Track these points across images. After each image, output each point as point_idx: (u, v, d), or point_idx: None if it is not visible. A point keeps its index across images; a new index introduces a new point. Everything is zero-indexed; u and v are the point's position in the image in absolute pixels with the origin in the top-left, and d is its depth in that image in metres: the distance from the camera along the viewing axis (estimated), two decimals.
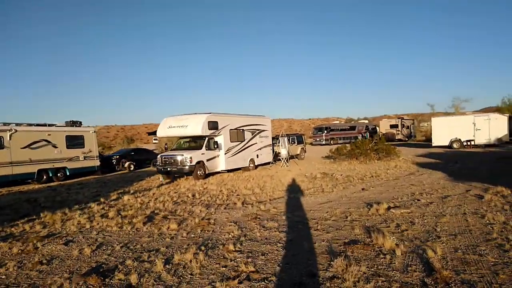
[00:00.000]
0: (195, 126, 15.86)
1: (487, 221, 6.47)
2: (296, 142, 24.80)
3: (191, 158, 15.28)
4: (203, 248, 5.71)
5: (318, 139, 43.37)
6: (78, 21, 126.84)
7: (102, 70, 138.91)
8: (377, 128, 45.85)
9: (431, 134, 26.91)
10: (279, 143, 21.42)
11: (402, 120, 40.98)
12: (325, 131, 43.19)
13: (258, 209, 8.63)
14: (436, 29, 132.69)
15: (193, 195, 11.37)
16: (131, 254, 5.65)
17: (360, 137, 43.88)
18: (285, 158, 20.98)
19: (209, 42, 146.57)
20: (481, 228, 6.06)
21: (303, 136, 26.21)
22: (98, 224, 7.79)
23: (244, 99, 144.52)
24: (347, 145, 22.26)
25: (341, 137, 44.37)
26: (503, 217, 6.53)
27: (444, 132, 23.93)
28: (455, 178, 12.39)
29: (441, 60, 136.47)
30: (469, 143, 23.27)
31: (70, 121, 19.52)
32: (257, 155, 20.31)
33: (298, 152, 24.82)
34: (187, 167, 15.26)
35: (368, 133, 42.72)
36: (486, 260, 4.58)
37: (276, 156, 21.89)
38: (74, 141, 19.21)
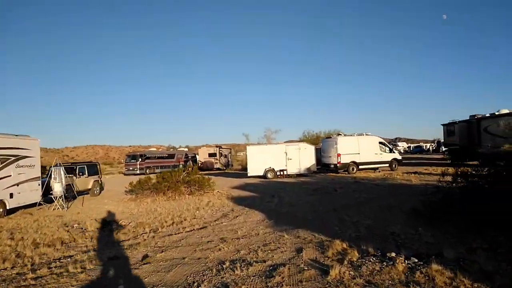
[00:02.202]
0: None
1: None
2: (86, 173, 18.09)
3: None
4: None
5: (131, 168, 36.73)
6: None
7: None
8: (197, 156, 42.86)
9: (247, 163, 24.80)
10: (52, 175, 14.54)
11: (220, 149, 39.04)
12: (140, 159, 37.07)
13: None
14: (245, 66, 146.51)
15: None
16: None
17: (181, 166, 39.89)
18: (60, 197, 14.22)
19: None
20: None
21: (98, 166, 19.65)
22: None
23: (46, 122, 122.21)
24: (152, 176, 17.23)
25: (158, 166, 39.07)
26: None
27: (259, 161, 22.00)
28: (276, 222, 9.00)
29: (254, 94, 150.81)
30: (282, 172, 21.93)
31: None
32: (12, 194, 12.85)
33: (90, 187, 18.15)
34: None
35: (191, 162, 38.99)
36: None
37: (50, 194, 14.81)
38: None
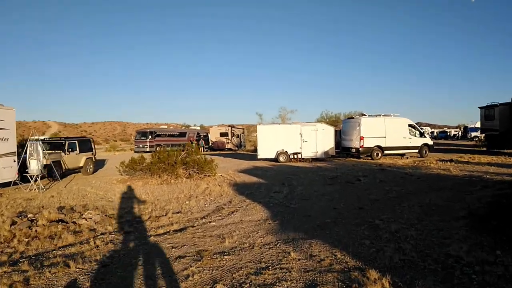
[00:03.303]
0: None
1: None
2: (78, 150, 16.04)
3: None
4: None
5: (141, 145, 34.91)
6: None
7: None
8: (209, 135, 40.64)
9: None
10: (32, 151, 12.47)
11: (232, 129, 36.50)
12: (150, 136, 35.16)
13: None
14: (260, 46, 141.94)
15: None
16: None
17: (193, 145, 37.77)
18: (37, 176, 12.17)
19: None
20: None
21: (91, 142, 17.56)
22: None
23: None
24: (146, 155, 14.98)
25: (169, 144, 37.04)
26: None
27: (271, 142, 19.41)
28: (282, 225, 6.56)
29: (271, 77, 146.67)
30: (296, 156, 19.33)
31: None
32: None
33: (81, 165, 16.13)
34: None
35: (203, 141, 36.83)
36: None
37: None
38: None
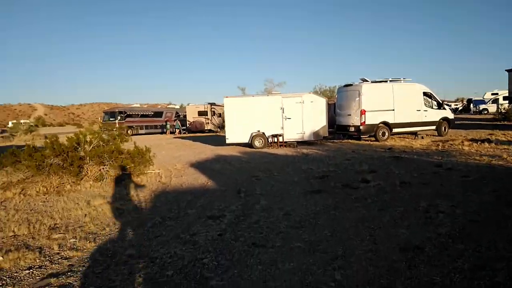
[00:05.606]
0: None
1: None
2: None
3: None
4: None
5: None
6: None
7: None
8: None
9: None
10: None
11: (212, 107, 30.98)
12: (119, 117, 29.92)
13: None
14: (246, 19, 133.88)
15: None
16: None
17: (169, 126, 32.47)
18: None
19: None
20: None
21: None
22: None
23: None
24: (40, 143, 9.85)
25: (143, 126, 32.20)
26: None
27: (243, 121, 14.00)
28: None
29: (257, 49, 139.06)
30: (275, 139, 14.20)
31: None
32: None
33: None
34: None
35: (178, 122, 31.61)
36: None
37: None
38: None
